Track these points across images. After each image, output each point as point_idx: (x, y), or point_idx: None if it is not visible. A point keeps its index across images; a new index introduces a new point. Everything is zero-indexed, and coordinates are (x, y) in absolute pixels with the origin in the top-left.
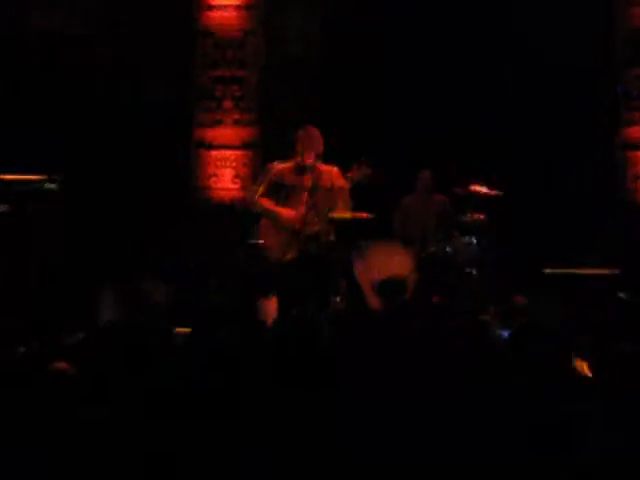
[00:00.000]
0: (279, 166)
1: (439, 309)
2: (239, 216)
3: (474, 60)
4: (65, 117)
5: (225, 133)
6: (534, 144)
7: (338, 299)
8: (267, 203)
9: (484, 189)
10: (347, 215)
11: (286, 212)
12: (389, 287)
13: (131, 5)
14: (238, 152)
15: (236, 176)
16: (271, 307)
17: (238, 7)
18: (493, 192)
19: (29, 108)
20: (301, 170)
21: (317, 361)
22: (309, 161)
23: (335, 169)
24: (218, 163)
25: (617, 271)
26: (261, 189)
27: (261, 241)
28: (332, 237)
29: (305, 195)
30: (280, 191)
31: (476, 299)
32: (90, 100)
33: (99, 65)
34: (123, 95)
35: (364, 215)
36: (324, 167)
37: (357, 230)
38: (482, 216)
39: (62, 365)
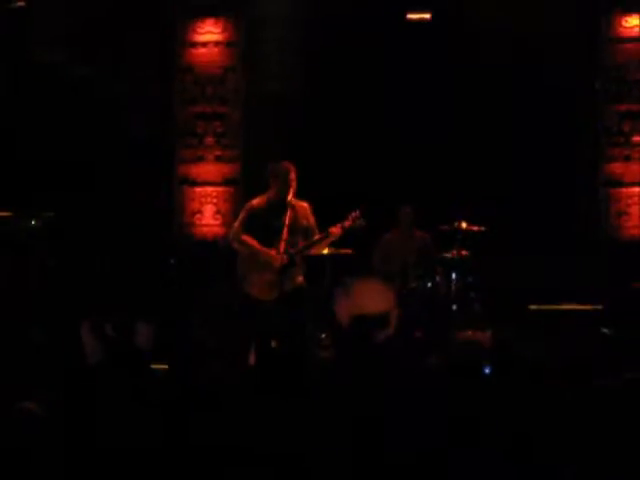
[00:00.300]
0: (255, 204)
1: (421, 344)
2: (222, 253)
3: (457, 97)
4: (51, 152)
5: (207, 169)
6: (517, 181)
7: (324, 335)
8: (251, 240)
9: (469, 226)
10: (327, 252)
11: (268, 251)
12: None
13: (112, 41)
14: (220, 188)
15: (217, 212)
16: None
17: (218, 44)
18: (477, 228)
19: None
20: (278, 207)
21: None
22: (289, 197)
23: (306, 205)
24: (202, 200)
25: (599, 307)
26: (240, 227)
27: (244, 279)
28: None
29: (285, 231)
30: (258, 228)
31: (457, 333)
32: (75, 137)
33: (84, 102)
34: (108, 132)
35: (346, 251)
36: (299, 203)
37: (337, 266)
38: (466, 252)
39: (30, 405)
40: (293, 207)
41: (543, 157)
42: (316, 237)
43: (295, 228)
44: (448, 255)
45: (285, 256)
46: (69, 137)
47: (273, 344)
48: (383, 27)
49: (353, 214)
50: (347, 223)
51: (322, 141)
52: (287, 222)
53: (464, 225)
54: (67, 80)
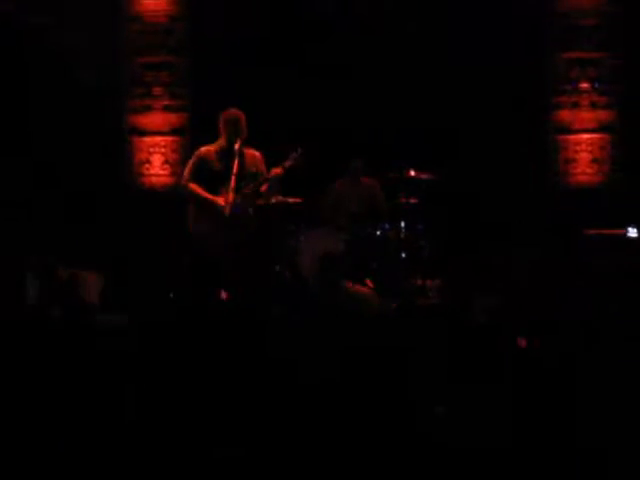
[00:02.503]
0: (204, 151)
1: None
2: (171, 202)
3: (407, 47)
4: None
5: (155, 119)
6: (467, 129)
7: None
8: (198, 189)
9: (418, 173)
10: (275, 200)
11: (215, 199)
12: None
13: None
14: (168, 138)
15: (165, 162)
16: None
17: None
18: (426, 176)
19: None
20: (227, 154)
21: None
22: (236, 146)
23: (258, 154)
24: (150, 149)
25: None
26: (188, 174)
27: (194, 227)
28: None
29: (233, 180)
30: (207, 176)
31: (406, 282)
32: (23, 87)
33: (31, 52)
34: (56, 82)
35: (294, 200)
36: (249, 151)
37: (286, 215)
38: (414, 200)
39: None
40: (242, 154)
41: (491, 105)
42: (259, 180)
43: (243, 176)
44: (397, 203)
45: (231, 205)
46: (17, 87)
47: (223, 296)
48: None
49: (293, 153)
50: (287, 163)
51: (273, 89)
52: (235, 170)
53: (412, 173)
54: (15, 29)
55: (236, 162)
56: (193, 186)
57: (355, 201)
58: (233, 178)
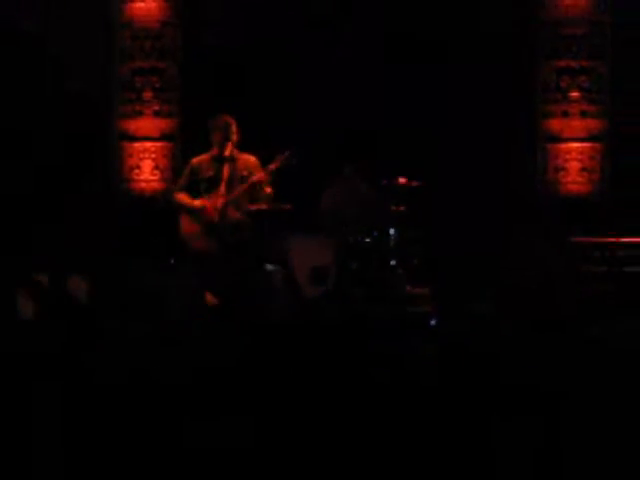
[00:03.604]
0: (197, 159)
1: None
2: (161, 208)
3: (398, 55)
4: None
5: (145, 124)
6: (457, 136)
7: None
8: (183, 198)
9: (408, 181)
10: (266, 207)
11: (198, 203)
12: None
13: None
14: (158, 143)
15: (155, 167)
16: None
17: None
18: (415, 184)
19: None
20: (218, 160)
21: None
22: (226, 152)
23: (252, 158)
24: (140, 155)
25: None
26: (180, 184)
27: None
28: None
29: (223, 186)
30: (199, 184)
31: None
32: (14, 91)
33: (23, 56)
34: (46, 88)
35: (284, 207)
36: (242, 156)
37: (277, 221)
38: (403, 208)
39: None
40: (233, 160)
41: (481, 113)
42: (245, 185)
43: (234, 181)
44: (388, 210)
45: (218, 210)
46: (9, 92)
47: (208, 298)
48: None
49: (279, 156)
50: (272, 166)
51: (263, 96)
52: (225, 175)
53: (402, 180)
54: (7, 35)
55: (226, 167)
56: (180, 196)
57: (349, 208)
58: (223, 183)
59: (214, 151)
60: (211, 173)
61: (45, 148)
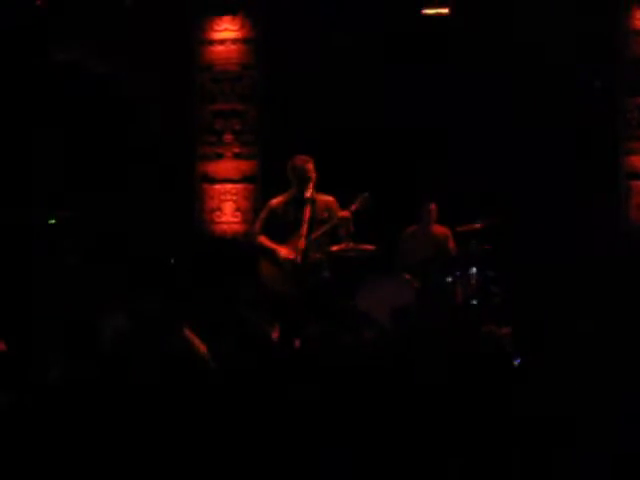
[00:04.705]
0: (275, 201)
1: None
2: (242, 249)
3: (475, 94)
4: (76, 151)
5: (226, 167)
6: (537, 173)
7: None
8: (265, 241)
9: (485, 223)
10: (350, 247)
11: (283, 250)
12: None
13: (130, 39)
14: (239, 185)
15: (237, 209)
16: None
17: (236, 41)
18: (494, 222)
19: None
20: (298, 202)
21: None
22: (307, 194)
23: (331, 199)
24: (221, 197)
25: None
26: (259, 227)
27: (266, 277)
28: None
29: (304, 228)
30: (279, 226)
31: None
32: (95, 136)
33: (106, 101)
34: (127, 131)
35: (367, 247)
36: (321, 197)
37: (360, 262)
38: (487, 247)
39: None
40: (313, 202)
41: (560, 150)
42: (327, 226)
43: (315, 223)
44: (469, 249)
45: (300, 252)
46: (90, 136)
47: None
48: (397, 22)
49: (359, 197)
50: (354, 206)
51: (342, 136)
52: (306, 217)
53: (478, 226)
54: (85, 79)
55: (307, 209)
56: (262, 239)
57: (427, 248)
58: (305, 225)
59: (292, 193)
60: (291, 216)
61: (127, 190)
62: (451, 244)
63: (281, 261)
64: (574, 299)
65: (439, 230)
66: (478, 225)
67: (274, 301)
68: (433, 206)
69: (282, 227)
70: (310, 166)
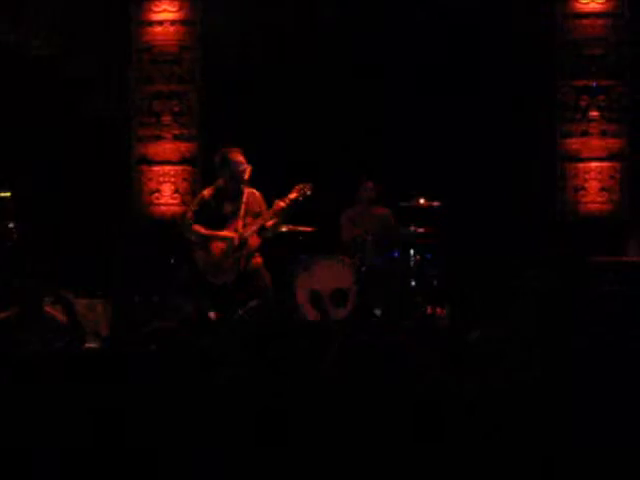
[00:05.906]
0: (207, 193)
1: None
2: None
3: (415, 68)
4: (9, 130)
5: (165, 148)
6: (474, 155)
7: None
8: (200, 229)
9: (428, 202)
10: (289, 228)
11: (222, 233)
12: (333, 298)
13: (68, 20)
14: (178, 167)
15: (176, 191)
16: None
17: (175, 22)
18: (435, 204)
19: None
20: (230, 194)
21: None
22: (240, 185)
23: (257, 193)
24: (160, 179)
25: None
26: (192, 216)
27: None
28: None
29: (239, 223)
30: (212, 218)
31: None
32: (33, 116)
33: (39, 81)
34: (64, 112)
35: (306, 229)
36: (251, 190)
37: (297, 243)
38: (423, 229)
39: None
40: (244, 195)
41: (500, 133)
42: (264, 216)
43: (248, 214)
44: (407, 231)
45: (238, 237)
46: (26, 117)
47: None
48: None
49: (298, 186)
50: (292, 195)
51: (281, 119)
52: (242, 208)
53: (422, 201)
54: (23, 60)
55: (243, 203)
56: (196, 227)
57: (367, 229)
58: (240, 215)
59: (222, 184)
60: (223, 207)
61: (62, 173)
62: (392, 223)
63: (224, 246)
64: (509, 282)
65: (379, 210)
66: (422, 201)
67: (209, 290)
68: (370, 184)
69: (213, 219)
70: (243, 159)
